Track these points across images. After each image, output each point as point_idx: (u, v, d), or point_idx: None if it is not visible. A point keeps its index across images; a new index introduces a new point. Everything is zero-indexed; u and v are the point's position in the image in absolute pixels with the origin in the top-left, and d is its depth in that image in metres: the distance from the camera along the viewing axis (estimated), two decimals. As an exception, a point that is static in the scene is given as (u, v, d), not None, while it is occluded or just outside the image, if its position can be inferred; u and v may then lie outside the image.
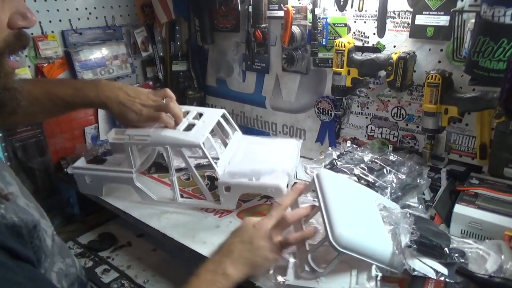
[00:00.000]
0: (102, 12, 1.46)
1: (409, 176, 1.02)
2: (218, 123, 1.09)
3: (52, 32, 1.33)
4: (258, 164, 1.00)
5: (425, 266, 0.76)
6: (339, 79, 1.15)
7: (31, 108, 0.93)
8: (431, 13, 1.00)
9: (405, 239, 0.76)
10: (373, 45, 1.13)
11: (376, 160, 1.07)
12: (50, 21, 1.33)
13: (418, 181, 1.02)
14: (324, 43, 1.21)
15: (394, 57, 1.02)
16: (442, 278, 0.75)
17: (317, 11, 1.16)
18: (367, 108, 1.22)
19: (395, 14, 1.07)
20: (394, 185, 0.99)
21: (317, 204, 0.81)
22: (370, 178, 1.00)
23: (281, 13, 1.25)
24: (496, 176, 1.01)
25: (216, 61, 1.57)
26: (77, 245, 1.26)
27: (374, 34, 1.12)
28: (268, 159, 1.03)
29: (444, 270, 0.76)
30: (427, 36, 1.03)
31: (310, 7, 1.17)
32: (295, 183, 0.94)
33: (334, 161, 1.09)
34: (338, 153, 1.14)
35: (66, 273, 0.66)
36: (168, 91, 1.02)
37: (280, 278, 0.78)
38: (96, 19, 1.44)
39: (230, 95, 1.57)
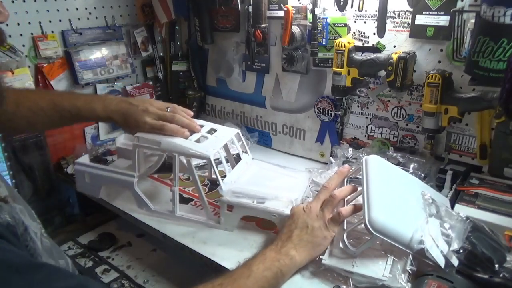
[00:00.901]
0: (102, 12, 1.46)
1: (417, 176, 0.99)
2: (230, 142, 1.07)
3: (52, 32, 1.34)
4: (264, 188, 0.97)
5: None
6: (339, 79, 1.14)
7: (36, 118, 0.96)
8: (431, 13, 1.00)
9: (456, 244, 0.74)
10: (373, 45, 1.13)
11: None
12: (50, 21, 1.33)
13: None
14: (324, 43, 1.21)
15: (394, 57, 1.02)
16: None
17: (317, 11, 1.15)
18: (367, 108, 1.22)
19: (395, 14, 1.07)
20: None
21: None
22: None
23: (281, 13, 1.24)
24: (496, 176, 1.01)
25: (216, 61, 1.57)
26: (77, 245, 1.26)
27: (374, 34, 1.12)
28: (276, 186, 1.00)
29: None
30: (427, 36, 1.03)
31: (310, 7, 1.17)
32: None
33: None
34: (343, 160, 1.13)
35: None
36: (175, 105, 1.05)
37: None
38: (96, 19, 1.45)
39: (230, 95, 1.57)
